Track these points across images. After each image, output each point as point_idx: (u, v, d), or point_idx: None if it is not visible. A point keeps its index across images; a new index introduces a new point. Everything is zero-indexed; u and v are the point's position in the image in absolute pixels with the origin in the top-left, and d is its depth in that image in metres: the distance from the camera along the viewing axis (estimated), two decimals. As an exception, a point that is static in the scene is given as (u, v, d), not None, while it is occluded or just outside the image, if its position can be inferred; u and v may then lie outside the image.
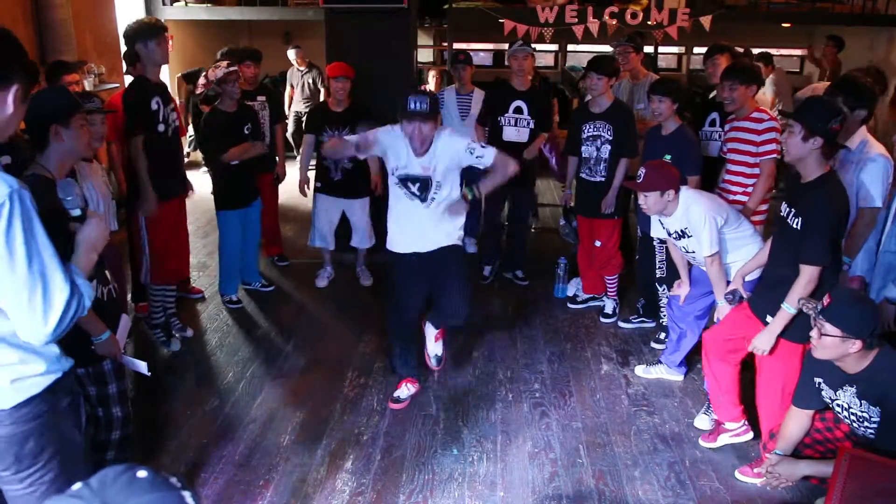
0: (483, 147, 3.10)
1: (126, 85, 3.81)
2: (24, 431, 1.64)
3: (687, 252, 3.28)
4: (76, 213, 1.88)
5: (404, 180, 3.14)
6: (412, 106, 2.90)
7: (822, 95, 2.95)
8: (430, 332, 3.48)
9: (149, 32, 3.59)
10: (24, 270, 1.48)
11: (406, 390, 3.48)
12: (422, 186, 3.13)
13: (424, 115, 2.92)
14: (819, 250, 2.54)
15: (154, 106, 3.62)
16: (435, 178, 3.09)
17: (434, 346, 3.50)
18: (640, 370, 3.76)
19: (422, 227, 3.18)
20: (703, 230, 3.06)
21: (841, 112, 2.59)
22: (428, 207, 3.15)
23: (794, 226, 2.63)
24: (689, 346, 3.61)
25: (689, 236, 3.17)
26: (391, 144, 3.08)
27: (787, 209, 2.71)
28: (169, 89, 4.10)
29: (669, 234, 3.31)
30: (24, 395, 1.64)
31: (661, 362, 3.73)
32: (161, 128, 3.68)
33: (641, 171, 3.14)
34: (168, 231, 3.82)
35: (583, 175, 4.31)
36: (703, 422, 3.32)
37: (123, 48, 3.90)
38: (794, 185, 2.73)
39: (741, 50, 4.77)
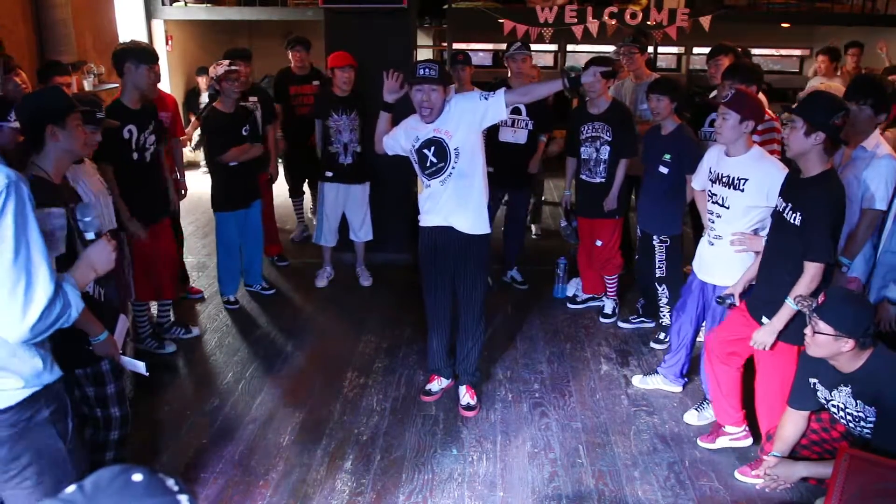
0: (496, 94, 3.05)
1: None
2: None
3: (720, 205, 3.06)
4: (90, 236, 1.89)
5: (421, 150, 3.14)
6: (421, 72, 2.94)
7: (822, 90, 2.90)
8: (461, 389, 3.50)
9: (143, 56, 3.57)
10: (9, 262, 1.47)
11: (437, 384, 3.56)
12: (438, 152, 3.10)
13: (433, 80, 2.93)
14: (825, 247, 2.51)
15: (126, 135, 3.54)
16: (451, 143, 3.09)
17: (463, 397, 3.48)
18: (637, 380, 3.69)
19: (446, 205, 3.19)
20: (767, 183, 2.88)
21: (843, 107, 2.54)
22: (446, 184, 3.14)
23: (792, 221, 2.59)
24: (686, 358, 3.56)
25: (740, 189, 2.96)
26: (406, 131, 3.18)
27: (784, 204, 2.66)
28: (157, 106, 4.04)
29: (717, 180, 3.07)
30: None
31: (657, 372, 3.67)
32: (135, 156, 3.59)
33: (731, 91, 2.98)
34: (149, 254, 3.75)
35: (583, 176, 4.31)
36: (692, 417, 3.35)
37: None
38: (793, 180, 2.69)
39: (739, 50, 4.76)
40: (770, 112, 3.72)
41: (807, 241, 2.54)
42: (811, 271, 2.54)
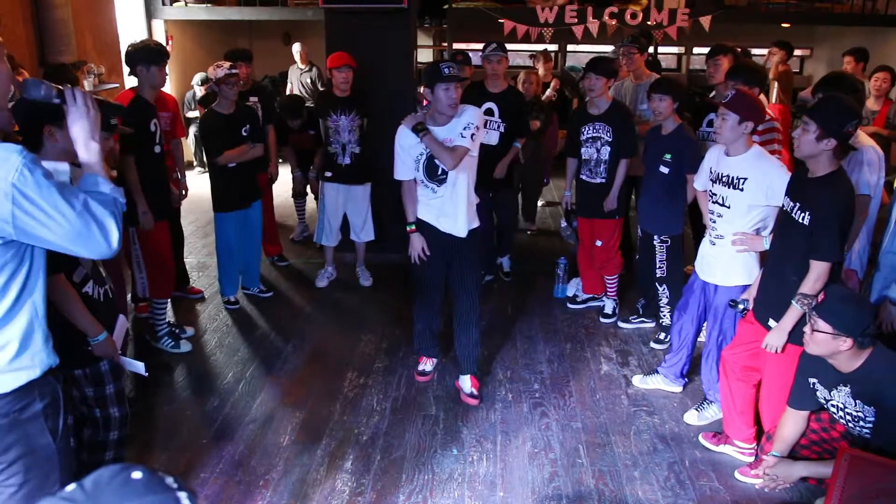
0: (468, 137, 3.19)
1: (126, 86, 3.83)
2: None
3: (721, 205, 3.07)
4: (56, 100, 1.73)
5: (432, 160, 3.25)
6: (446, 71, 3.16)
7: (839, 95, 2.90)
8: (465, 378, 3.58)
9: (153, 57, 3.65)
10: (74, 215, 1.53)
11: (429, 364, 3.74)
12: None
13: (458, 79, 3.18)
14: (833, 246, 2.50)
15: (153, 128, 3.67)
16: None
17: (467, 386, 3.56)
18: (637, 380, 3.68)
19: (435, 206, 3.35)
20: (766, 182, 2.90)
21: (858, 115, 2.52)
22: (448, 188, 3.28)
23: (801, 220, 2.58)
24: (686, 358, 3.55)
25: (740, 189, 2.97)
26: (409, 143, 3.27)
27: (791, 203, 2.65)
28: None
29: (717, 180, 3.10)
30: None
31: (657, 372, 3.66)
32: (157, 149, 3.72)
33: (731, 92, 2.98)
34: (163, 248, 3.82)
35: (583, 177, 4.31)
36: (692, 417, 3.35)
37: (124, 50, 3.91)
38: (801, 179, 2.66)
39: (738, 50, 4.77)
40: (770, 112, 3.72)
41: (814, 240, 2.53)
42: (817, 270, 2.53)
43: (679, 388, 3.60)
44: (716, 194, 3.11)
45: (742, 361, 2.96)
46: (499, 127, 4.56)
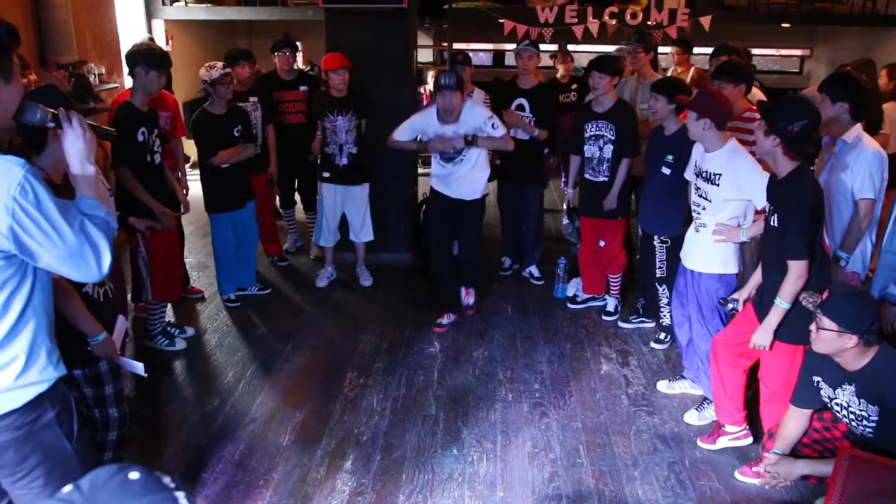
0: (500, 126, 4.00)
1: (125, 86, 3.80)
2: (3, 442, 1.64)
3: (703, 198, 3.16)
4: (51, 124, 1.72)
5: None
6: (443, 81, 3.85)
7: (800, 95, 2.94)
8: (462, 289, 4.45)
9: (154, 62, 3.52)
10: (71, 234, 1.54)
11: (446, 318, 4.33)
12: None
13: (452, 88, 3.85)
14: (800, 244, 2.55)
15: (140, 137, 3.55)
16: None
17: (465, 298, 4.43)
18: (664, 386, 3.64)
19: (451, 181, 4.12)
20: (739, 178, 2.98)
21: (807, 117, 2.52)
22: (455, 167, 4.07)
23: (773, 223, 2.68)
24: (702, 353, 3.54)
25: (716, 184, 3.06)
26: (425, 123, 4.06)
27: (769, 207, 2.75)
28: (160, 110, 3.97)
29: (699, 175, 3.18)
30: (2, 409, 1.62)
31: (683, 377, 3.62)
32: (148, 158, 3.62)
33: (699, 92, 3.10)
34: (162, 255, 3.81)
35: (586, 175, 4.31)
36: (692, 417, 3.35)
37: (124, 50, 3.87)
38: (772, 183, 2.74)
39: (740, 50, 4.75)
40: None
41: (784, 240, 2.59)
42: (794, 270, 2.58)
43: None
44: (699, 188, 3.20)
45: (735, 349, 2.98)
46: (530, 122, 4.65)
